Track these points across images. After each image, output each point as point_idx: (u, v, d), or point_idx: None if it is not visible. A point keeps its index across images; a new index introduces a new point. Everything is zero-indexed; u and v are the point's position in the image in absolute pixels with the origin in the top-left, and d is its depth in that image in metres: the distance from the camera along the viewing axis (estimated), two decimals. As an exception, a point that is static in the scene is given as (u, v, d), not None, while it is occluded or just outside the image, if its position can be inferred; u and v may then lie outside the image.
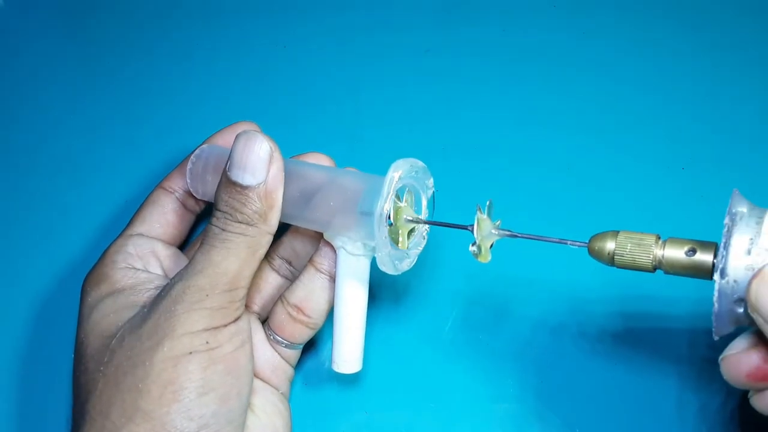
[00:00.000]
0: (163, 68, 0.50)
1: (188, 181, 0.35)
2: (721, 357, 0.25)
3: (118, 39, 0.52)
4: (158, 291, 0.31)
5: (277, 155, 0.30)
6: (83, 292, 0.33)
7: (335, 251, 0.32)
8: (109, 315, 0.31)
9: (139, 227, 0.35)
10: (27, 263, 0.42)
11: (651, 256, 0.25)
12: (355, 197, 0.31)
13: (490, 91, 0.47)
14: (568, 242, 0.28)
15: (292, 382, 0.35)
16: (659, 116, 0.45)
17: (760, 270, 0.22)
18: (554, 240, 0.29)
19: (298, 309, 0.33)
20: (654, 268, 0.26)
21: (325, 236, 0.32)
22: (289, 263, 0.36)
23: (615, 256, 0.26)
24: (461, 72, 0.48)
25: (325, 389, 0.37)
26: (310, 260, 0.33)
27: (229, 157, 0.30)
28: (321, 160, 0.36)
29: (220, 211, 0.30)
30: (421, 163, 0.32)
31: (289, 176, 0.31)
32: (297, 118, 0.47)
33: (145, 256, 0.34)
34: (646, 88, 0.47)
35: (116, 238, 0.35)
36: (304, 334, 0.34)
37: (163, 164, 0.44)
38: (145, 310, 0.30)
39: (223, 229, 0.29)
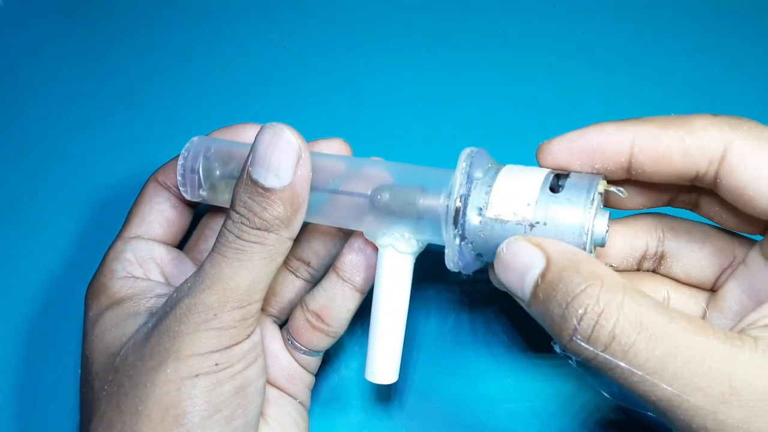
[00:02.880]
0: (163, 67, 0.50)
1: (179, 179, 0.32)
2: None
3: (118, 39, 0.52)
4: (159, 299, 0.30)
5: (306, 155, 0.27)
6: (85, 305, 0.31)
7: (364, 255, 0.31)
8: (111, 329, 0.29)
9: (138, 228, 0.33)
10: (25, 263, 0.42)
11: (415, 208, 0.28)
12: (410, 190, 0.29)
13: (491, 90, 0.47)
14: (354, 194, 0.29)
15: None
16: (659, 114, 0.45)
17: (497, 254, 0.26)
18: (340, 192, 0.29)
19: (318, 316, 0.31)
20: (419, 217, 0.28)
21: (366, 235, 0.30)
22: (308, 264, 0.33)
23: (389, 207, 0.28)
24: (462, 71, 0.48)
25: (325, 389, 0.37)
26: (333, 266, 0.31)
27: (252, 151, 0.27)
28: (341, 147, 0.33)
29: (237, 213, 0.27)
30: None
31: (318, 170, 0.28)
32: (297, 118, 0.47)
33: (145, 263, 0.33)
34: (646, 87, 0.47)
35: (114, 240, 0.33)
36: (323, 342, 0.32)
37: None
38: (149, 325, 0.28)
39: (238, 237, 0.27)
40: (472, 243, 0.27)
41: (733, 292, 0.29)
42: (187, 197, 0.33)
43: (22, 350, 0.39)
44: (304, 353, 0.32)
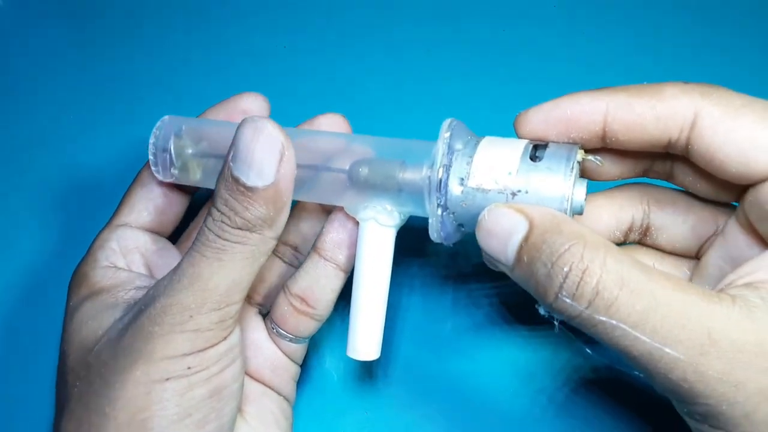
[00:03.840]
0: (163, 67, 0.50)
1: (150, 158, 0.31)
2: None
3: (118, 39, 0.52)
4: (138, 291, 0.29)
5: (290, 152, 0.26)
6: (68, 294, 0.31)
7: (346, 232, 0.30)
8: (87, 322, 0.28)
9: (126, 216, 0.32)
10: (22, 262, 0.42)
11: (395, 181, 0.28)
12: (389, 163, 0.28)
13: (491, 90, 0.47)
14: (332, 170, 0.29)
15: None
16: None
17: (479, 221, 0.26)
18: (318, 168, 0.29)
19: (302, 299, 0.30)
20: (399, 190, 0.28)
21: (347, 210, 0.29)
22: (295, 248, 0.33)
23: (368, 181, 0.28)
24: (462, 71, 0.48)
25: (325, 388, 0.37)
26: (314, 246, 0.31)
27: (233, 145, 0.26)
28: (336, 122, 0.32)
29: (218, 211, 0.26)
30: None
31: (298, 148, 0.27)
32: (296, 118, 0.46)
33: (129, 252, 0.31)
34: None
35: (103, 227, 0.33)
36: (309, 327, 0.31)
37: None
38: (125, 321, 0.27)
39: (218, 236, 0.26)
40: (454, 213, 0.27)
41: (713, 260, 0.29)
42: (159, 177, 0.32)
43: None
44: (290, 341, 0.32)
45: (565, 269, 0.23)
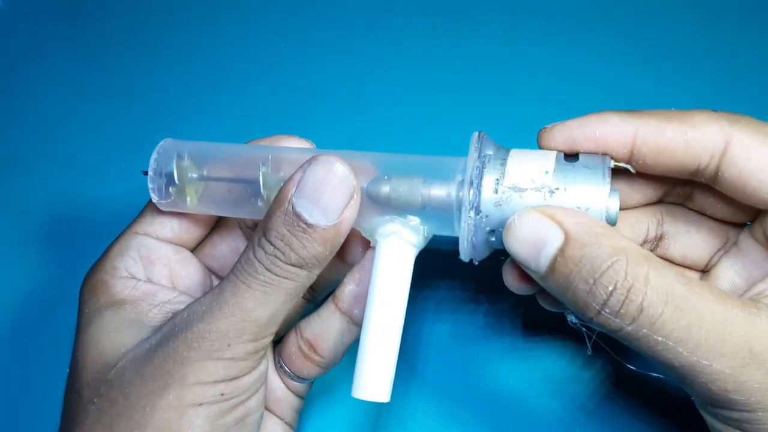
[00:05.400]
0: (163, 68, 0.50)
1: (150, 177, 0.29)
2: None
3: (118, 39, 0.52)
4: (163, 308, 0.29)
5: (358, 196, 0.26)
6: (81, 299, 0.30)
7: (365, 287, 0.28)
8: (109, 334, 0.27)
9: (148, 225, 0.31)
10: (19, 261, 0.42)
11: (420, 196, 0.27)
12: (412, 178, 0.27)
13: (491, 90, 0.47)
14: None
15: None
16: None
17: (508, 225, 0.25)
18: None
19: (311, 345, 0.30)
20: (423, 206, 0.27)
21: (362, 232, 0.28)
22: (311, 287, 0.30)
23: (391, 198, 0.27)
24: (461, 70, 0.48)
25: (325, 390, 0.37)
26: (333, 295, 0.30)
27: (298, 181, 0.25)
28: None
29: (271, 244, 0.25)
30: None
31: None
32: (296, 117, 0.47)
33: (149, 263, 0.30)
34: (646, 87, 0.47)
35: (122, 232, 0.31)
36: (313, 372, 0.30)
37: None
38: (153, 342, 0.26)
39: (268, 269, 0.25)
40: (487, 217, 0.26)
41: (726, 272, 0.29)
42: (155, 200, 0.30)
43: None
44: (292, 379, 0.31)
45: (610, 287, 0.22)
